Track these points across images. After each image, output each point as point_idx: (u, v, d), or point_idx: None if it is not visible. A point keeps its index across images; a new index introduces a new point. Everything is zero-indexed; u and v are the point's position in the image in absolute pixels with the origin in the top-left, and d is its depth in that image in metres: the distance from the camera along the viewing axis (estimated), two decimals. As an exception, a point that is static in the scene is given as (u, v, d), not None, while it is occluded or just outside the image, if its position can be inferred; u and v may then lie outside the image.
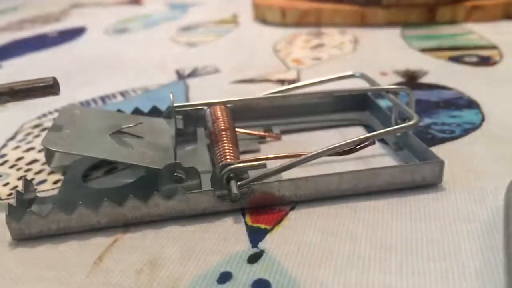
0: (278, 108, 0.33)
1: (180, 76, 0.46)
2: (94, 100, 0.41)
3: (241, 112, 0.32)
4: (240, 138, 0.29)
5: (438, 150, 0.29)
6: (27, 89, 0.25)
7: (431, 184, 0.25)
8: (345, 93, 0.31)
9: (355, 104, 0.34)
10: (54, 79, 0.26)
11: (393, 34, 0.54)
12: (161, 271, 0.21)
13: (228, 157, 0.25)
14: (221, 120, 0.28)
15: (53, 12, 0.81)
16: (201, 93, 0.41)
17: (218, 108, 0.29)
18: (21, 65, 0.54)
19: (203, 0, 0.81)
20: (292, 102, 0.34)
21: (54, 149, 0.24)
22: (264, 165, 0.24)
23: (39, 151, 0.32)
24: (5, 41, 0.64)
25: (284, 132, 0.32)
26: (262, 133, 0.32)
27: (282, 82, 0.42)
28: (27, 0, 0.92)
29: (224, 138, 0.26)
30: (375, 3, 0.58)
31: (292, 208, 0.24)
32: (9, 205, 0.23)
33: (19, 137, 0.35)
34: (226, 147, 0.26)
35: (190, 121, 0.31)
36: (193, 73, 0.46)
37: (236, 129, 0.28)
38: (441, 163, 0.25)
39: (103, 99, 0.41)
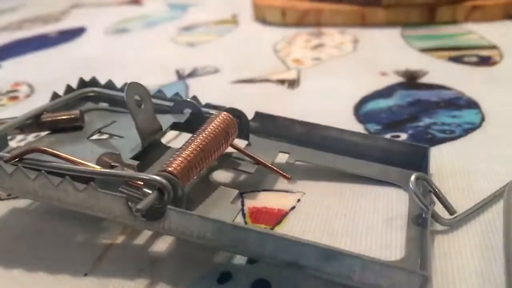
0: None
1: (180, 76, 0.46)
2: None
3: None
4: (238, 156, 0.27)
5: (438, 150, 0.29)
6: (54, 121, 0.27)
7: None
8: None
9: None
10: (81, 112, 0.27)
11: (393, 34, 0.54)
12: (161, 271, 0.21)
13: (173, 168, 0.21)
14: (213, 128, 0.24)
15: (53, 12, 0.81)
16: (201, 93, 0.41)
17: (223, 116, 0.25)
18: (21, 65, 0.54)
19: (203, 0, 0.81)
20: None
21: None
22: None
23: (39, 151, 0.32)
24: (5, 41, 0.64)
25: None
26: (269, 166, 0.26)
27: (282, 82, 0.42)
28: (27, 0, 0.92)
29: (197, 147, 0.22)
30: (375, 3, 0.58)
31: (293, 208, 0.24)
32: None
33: (19, 136, 0.35)
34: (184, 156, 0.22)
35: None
36: (193, 73, 0.46)
37: (237, 149, 0.26)
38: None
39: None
